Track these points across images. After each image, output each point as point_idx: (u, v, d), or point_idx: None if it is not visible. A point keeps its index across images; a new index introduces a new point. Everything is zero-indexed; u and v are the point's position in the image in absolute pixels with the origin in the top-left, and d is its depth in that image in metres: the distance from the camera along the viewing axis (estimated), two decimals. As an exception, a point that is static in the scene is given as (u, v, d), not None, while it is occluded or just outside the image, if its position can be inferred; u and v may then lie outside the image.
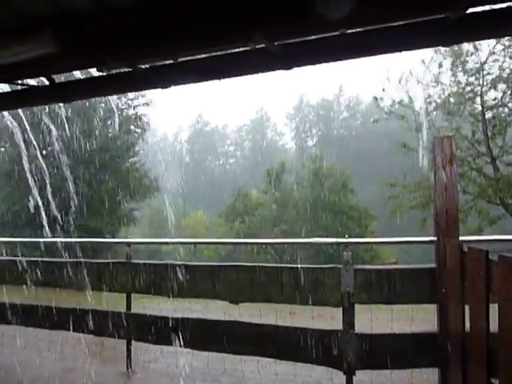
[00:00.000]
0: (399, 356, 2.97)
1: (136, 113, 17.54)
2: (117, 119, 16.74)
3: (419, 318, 3.75)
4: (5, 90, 2.80)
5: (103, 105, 15.71)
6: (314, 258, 16.36)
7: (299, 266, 3.22)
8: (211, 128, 68.98)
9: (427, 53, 13.61)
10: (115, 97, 15.93)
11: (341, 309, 3.09)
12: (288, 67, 1.92)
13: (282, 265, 3.34)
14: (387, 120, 14.39)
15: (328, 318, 3.72)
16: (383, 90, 14.14)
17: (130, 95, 16.77)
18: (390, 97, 14.30)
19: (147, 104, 17.65)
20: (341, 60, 2.09)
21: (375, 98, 14.39)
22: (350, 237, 3.46)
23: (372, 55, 2.03)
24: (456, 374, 2.70)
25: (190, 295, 3.62)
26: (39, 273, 4.15)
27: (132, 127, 17.44)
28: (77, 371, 3.99)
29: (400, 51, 1.86)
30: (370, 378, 3.27)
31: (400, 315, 4.15)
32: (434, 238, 2.91)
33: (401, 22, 1.81)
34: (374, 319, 3.65)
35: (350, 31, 1.88)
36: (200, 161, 63.68)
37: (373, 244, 12.78)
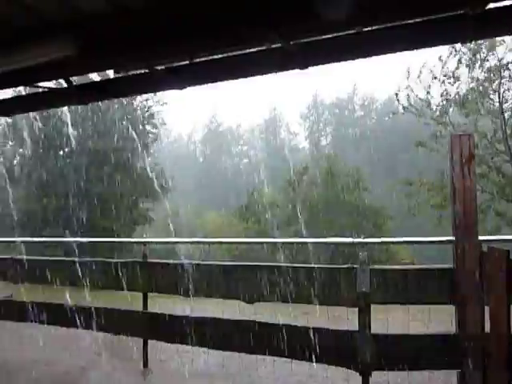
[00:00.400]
0: (416, 357, 2.93)
1: (151, 113, 17.72)
2: (132, 120, 16.94)
3: (437, 320, 3.69)
4: (24, 93, 2.87)
5: (119, 106, 15.92)
6: (328, 258, 16.26)
7: (315, 265, 3.21)
8: (225, 128, 69.13)
9: (445, 49, 13.39)
10: (131, 98, 16.13)
11: (356, 309, 3.07)
12: (304, 66, 1.92)
13: (297, 265, 3.33)
14: (404, 116, 14.17)
15: (344, 319, 3.70)
16: (398, 91, 13.91)
17: (145, 96, 16.94)
18: (407, 94, 14.11)
19: (161, 105, 17.82)
20: (358, 58, 2.07)
21: (396, 94, 14.17)
22: (365, 237, 3.43)
23: (389, 53, 2.01)
24: (475, 376, 2.65)
25: (205, 294, 3.64)
26: (59, 272, 4.23)
27: (147, 128, 17.62)
28: (94, 368, 4.05)
29: (418, 48, 1.83)
30: (386, 379, 3.23)
31: (417, 317, 4.11)
32: (453, 238, 2.86)
33: (418, 19, 1.78)
34: (389, 320, 3.61)
35: (366, 29, 1.87)
36: (214, 161, 63.87)
37: (389, 244, 12.64)
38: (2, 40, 2.13)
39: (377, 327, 3.17)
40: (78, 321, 4.09)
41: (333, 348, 3.13)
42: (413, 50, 1.89)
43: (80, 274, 4.12)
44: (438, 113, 13.48)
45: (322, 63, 2.01)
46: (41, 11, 1.92)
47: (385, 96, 58.96)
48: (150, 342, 4.03)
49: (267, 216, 19.84)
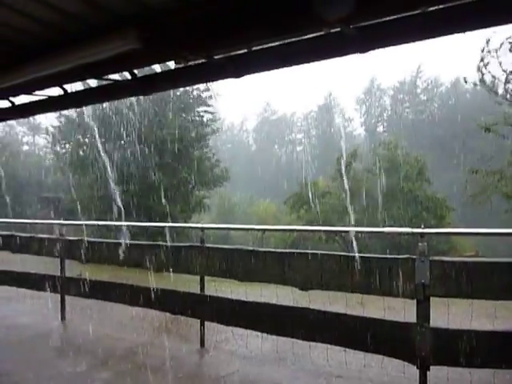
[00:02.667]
0: (479, 354, 2.79)
1: (207, 104, 18.07)
2: (189, 110, 17.41)
3: (502, 316, 3.49)
4: (92, 85, 3.06)
5: (176, 96, 16.42)
6: (384, 249, 15.80)
7: (371, 255, 3.15)
8: (278, 116, 68.92)
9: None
10: (188, 88, 16.55)
11: (413, 301, 2.98)
12: (364, 50, 1.86)
13: (353, 254, 3.28)
14: (470, 100, 13.24)
15: (398, 310, 3.61)
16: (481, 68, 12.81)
17: (201, 87, 17.31)
18: (473, 76, 13.11)
19: (217, 94, 18.13)
20: (420, 40, 1.98)
21: (464, 80, 13.26)
22: (425, 227, 3.29)
23: (453, 33, 1.90)
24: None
25: (259, 280, 3.72)
26: (123, 254, 4.51)
27: (203, 118, 18.03)
28: (154, 346, 4.29)
29: (491, 26, 1.70)
30: (445, 374, 3.12)
31: (480, 312, 3.90)
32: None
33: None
34: (447, 314, 3.46)
35: (431, 9, 1.77)
36: (267, 149, 64.03)
37: (451, 235, 12.00)
38: (72, 36, 2.29)
39: (436, 320, 3.07)
40: (139, 300, 4.36)
41: (388, 339, 3.07)
42: (479, 29, 1.76)
43: (142, 256, 4.37)
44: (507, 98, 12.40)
45: (383, 46, 1.94)
46: (109, 8, 2.03)
47: (450, 79, 55.55)
48: (206, 323, 4.19)
49: (320, 204, 19.63)
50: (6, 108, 3.36)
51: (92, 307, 5.14)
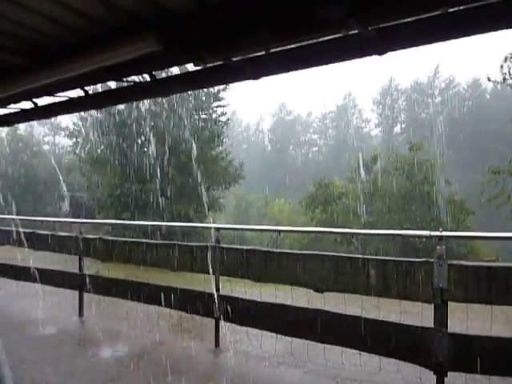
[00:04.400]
0: (499, 362, 2.74)
1: (223, 104, 18.17)
2: (205, 111, 17.53)
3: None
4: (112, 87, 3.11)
5: (192, 98, 16.55)
6: (400, 252, 15.60)
7: (388, 258, 3.13)
8: (294, 116, 68.76)
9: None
10: (204, 89, 16.67)
11: (429, 305, 2.94)
12: (382, 52, 1.85)
13: (369, 256, 3.26)
14: (489, 101, 13.03)
15: (414, 314, 3.56)
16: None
17: (218, 87, 17.40)
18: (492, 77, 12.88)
19: (232, 95, 18.21)
20: (440, 41, 1.95)
21: (488, 79, 13.06)
22: (443, 230, 3.24)
23: (475, 34, 1.87)
24: None
25: (274, 281, 3.72)
26: (140, 253, 4.58)
27: (219, 118, 18.12)
28: (169, 344, 4.34)
29: (508, 28, 1.67)
30: (463, 381, 3.07)
31: (500, 318, 3.82)
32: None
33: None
34: (464, 319, 3.40)
35: (452, 10, 1.75)
36: (282, 150, 63.94)
37: (470, 239, 11.76)
38: (94, 40, 2.34)
39: (454, 326, 3.02)
40: (155, 298, 4.41)
41: (405, 344, 3.04)
42: (509, 28, 1.73)
43: (158, 255, 4.42)
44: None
45: (402, 48, 1.92)
46: (129, 11, 2.06)
47: (467, 80, 54.54)
48: (221, 322, 4.22)
49: (336, 206, 19.49)
50: (30, 109, 3.46)
51: (109, 304, 5.22)
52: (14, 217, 7.59)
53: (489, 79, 13.18)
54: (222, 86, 17.52)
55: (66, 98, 3.19)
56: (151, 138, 14.54)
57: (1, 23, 2.24)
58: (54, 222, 7.25)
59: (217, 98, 17.84)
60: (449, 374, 2.92)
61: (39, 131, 44.26)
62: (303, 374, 3.64)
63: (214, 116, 17.92)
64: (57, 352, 4.14)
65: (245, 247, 3.99)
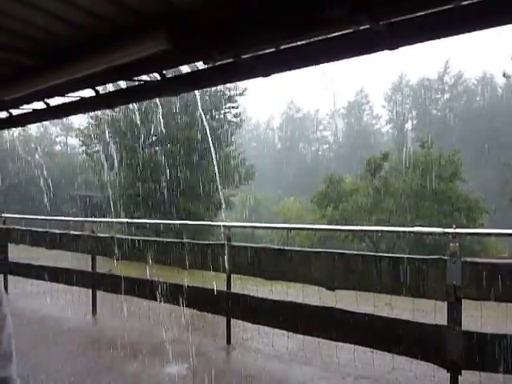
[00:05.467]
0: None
1: (232, 103, 18.18)
2: (215, 110, 17.57)
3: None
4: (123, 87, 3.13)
5: (203, 96, 16.60)
6: (412, 249, 15.46)
7: (400, 255, 3.10)
8: (303, 114, 68.50)
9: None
10: (213, 88, 16.70)
11: (441, 303, 2.90)
12: (393, 47, 1.82)
13: (381, 253, 3.23)
14: (502, 96, 12.86)
15: (426, 312, 3.53)
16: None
17: (229, 85, 17.43)
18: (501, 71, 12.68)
19: (242, 94, 18.18)
20: (453, 35, 1.92)
21: (504, 74, 12.90)
22: (456, 227, 3.20)
23: (488, 28, 1.83)
24: None
25: (286, 279, 3.72)
26: (151, 251, 4.61)
27: (229, 117, 18.15)
28: (181, 341, 4.36)
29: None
30: (478, 379, 3.03)
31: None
32: None
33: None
34: (477, 317, 3.35)
35: (465, 3, 1.72)
36: (292, 148, 63.76)
37: (484, 236, 11.60)
38: (104, 39, 2.35)
39: (468, 324, 2.98)
40: (167, 296, 4.44)
41: (418, 342, 3.01)
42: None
43: (170, 253, 4.45)
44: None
45: (414, 43, 1.89)
46: (138, 9, 2.07)
47: (477, 75, 53.74)
48: (232, 320, 4.23)
49: (347, 203, 19.38)
50: (42, 109, 3.49)
51: (121, 302, 5.27)
52: (27, 216, 7.71)
53: (504, 75, 12.99)
54: (237, 90, 17.60)
55: (77, 98, 3.22)
56: (164, 136, 14.65)
57: (14, 25, 2.27)
58: (67, 221, 7.35)
59: (231, 100, 17.88)
60: (463, 372, 2.89)
61: (51, 131, 44.85)
62: (315, 371, 3.63)
63: (226, 116, 17.97)
64: (68, 349, 4.19)
65: (256, 245, 4.00)
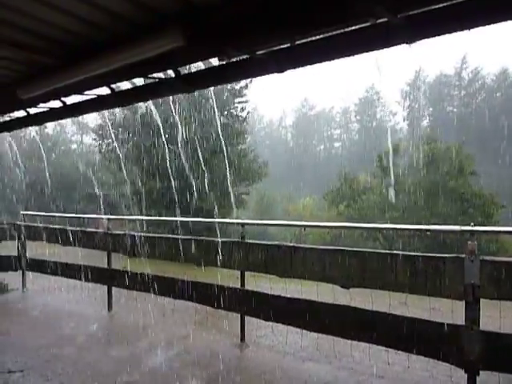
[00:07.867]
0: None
1: (245, 100, 18.17)
2: (228, 108, 17.58)
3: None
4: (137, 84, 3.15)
5: (215, 94, 16.62)
6: (427, 248, 15.26)
7: (416, 253, 3.05)
8: (316, 111, 68.12)
9: None
10: (228, 86, 16.75)
11: (459, 302, 2.85)
12: (411, 41, 1.79)
13: (397, 252, 3.19)
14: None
15: (443, 312, 3.47)
16: None
17: (241, 84, 17.43)
18: None
19: (246, 87, 18.12)
20: (472, 28, 1.87)
21: None
22: (474, 225, 3.13)
23: (507, 20, 1.78)
24: None
25: (300, 276, 3.69)
26: (165, 248, 4.64)
27: (242, 114, 18.15)
28: (195, 338, 4.38)
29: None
30: (496, 380, 2.97)
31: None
32: None
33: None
34: (497, 317, 3.28)
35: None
36: (305, 145, 63.53)
37: (503, 234, 11.35)
38: (120, 37, 2.37)
39: (486, 324, 2.92)
40: (181, 293, 4.47)
41: (435, 341, 2.96)
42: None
43: (184, 250, 4.47)
44: None
45: (432, 36, 1.85)
46: (154, 7, 2.07)
47: (495, 72, 52.66)
48: (246, 317, 4.23)
49: (361, 200, 19.23)
50: (58, 108, 3.54)
51: (136, 299, 5.32)
52: (42, 213, 7.84)
53: None
54: (243, 84, 17.57)
55: (93, 96, 3.25)
56: (176, 135, 14.72)
57: (32, 24, 2.30)
58: (83, 218, 7.45)
59: (239, 94, 17.87)
60: (481, 372, 2.84)
61: (67, 130, 45.53)
62: (329, 369, 3.61)
63: (236, 113, 17.98)
64: (85, 345, 4.25)
65: (270, 243, 3.98)
